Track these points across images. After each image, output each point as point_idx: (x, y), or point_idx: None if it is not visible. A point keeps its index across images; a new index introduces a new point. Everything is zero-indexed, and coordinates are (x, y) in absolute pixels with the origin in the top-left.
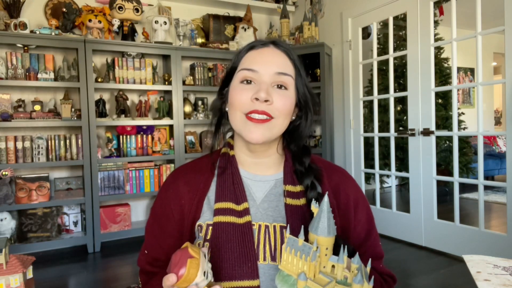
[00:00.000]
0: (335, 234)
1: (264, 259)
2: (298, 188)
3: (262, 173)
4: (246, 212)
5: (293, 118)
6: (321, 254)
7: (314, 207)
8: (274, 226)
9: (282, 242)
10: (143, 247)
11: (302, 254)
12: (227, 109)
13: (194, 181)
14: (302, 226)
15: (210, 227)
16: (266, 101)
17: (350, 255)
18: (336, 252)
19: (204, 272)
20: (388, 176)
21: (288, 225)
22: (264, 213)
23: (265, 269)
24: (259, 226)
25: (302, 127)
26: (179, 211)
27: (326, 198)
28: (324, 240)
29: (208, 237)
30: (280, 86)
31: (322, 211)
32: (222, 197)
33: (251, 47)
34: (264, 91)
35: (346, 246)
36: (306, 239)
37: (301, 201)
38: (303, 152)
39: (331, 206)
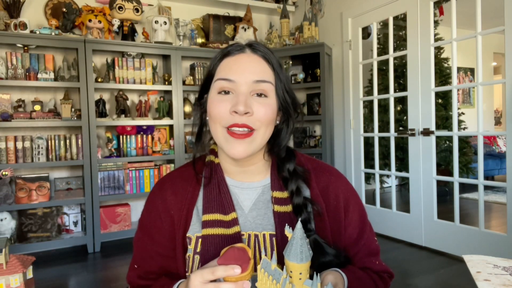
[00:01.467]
0: (309, 260)
1: (255, 270)
2: (285, 194)
3: (248, 180)
4: (234, 222)
5: (278, 122)
6: (294, 279)
7: (287, 232)
8: (264, 235)
9: (272, 251)
10: (132, 262)
11: (274, 279)
12: (207, 118)
13: (181, 191)
14: (274, 252)
15: (200, 240)
16: (246, 113)
17: (342, 264)
18: (318, 262)
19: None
20: (388, 176)
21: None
22: (253, 221)
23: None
24: (249, 235)
25: (283, 134)
26: (169, 222)
27: (299, 225)
28: (296, 266)
29: (198, 249)
30: (260, 94)
31: (294, 238)
32: (209, 208)
33: (226, 53)
34: (243, 103)
35: (319, 274)
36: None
37: (289, 208)
38: (286, 157)
39: (321, 211)
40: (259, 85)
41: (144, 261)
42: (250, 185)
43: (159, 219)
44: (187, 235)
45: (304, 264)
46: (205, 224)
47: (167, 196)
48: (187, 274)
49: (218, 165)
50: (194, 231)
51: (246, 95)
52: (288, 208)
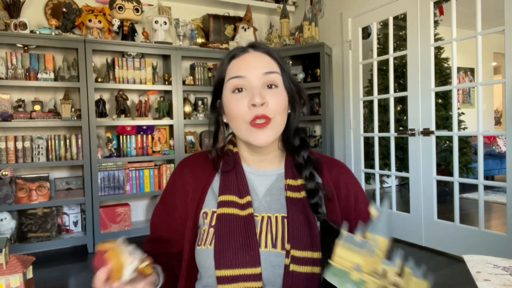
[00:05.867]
0: (391, 239)
1: (266, 246)
2: (298, 182)
3: (264, 168)
4: (248, 205)
5: (289, 111)
6: (378, 252)
7: (373, 209)
8: (276, 217)
9: (283, 231)
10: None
11: (360, 249)
12: (225, 120)
13: (199, 170)
14: (359, 223)
15: (215, 214)
16: (262, 104)
17: None
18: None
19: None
20: (388, 176)
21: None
22: (266, 205)
23: (266, 255)
24: (262, 217)
25: (292, 119)
26: (183, 197)
27: (385, 202)
28: (381, 240)
29: (213, 223)
30: (270, 86)
31: (382, 212)
32: (225, 190)
33: (232, 56)
34: (258, 95)
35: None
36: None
37: (302, 194)
38: (301, 145)
39: (332, 197)
40: (268, 77)
41: (156, 227)
42: (265, 172)
43: (174, 193)
44: (203, 210)
45: (388, 241)
46: (221, 204)
47: (186, 174)
48: (198, 247)
49: (237, 153)
50: (211, 206)
51: (259, 88)
52: (300, 194)
